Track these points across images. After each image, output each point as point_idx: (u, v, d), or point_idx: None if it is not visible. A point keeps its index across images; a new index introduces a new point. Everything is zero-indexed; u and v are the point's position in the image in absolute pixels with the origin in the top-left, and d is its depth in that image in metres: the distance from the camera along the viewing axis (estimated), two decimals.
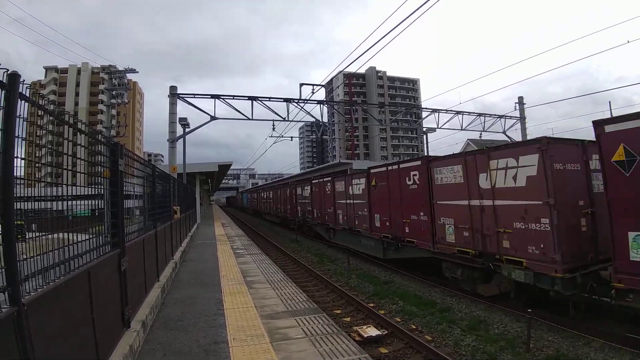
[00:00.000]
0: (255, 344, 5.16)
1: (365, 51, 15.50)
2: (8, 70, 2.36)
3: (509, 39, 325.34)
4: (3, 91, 2.38)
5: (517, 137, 28.97)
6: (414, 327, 8.68)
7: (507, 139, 29.03)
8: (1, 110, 2.38)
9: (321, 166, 55.56)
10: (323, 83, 23.97)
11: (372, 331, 8.02)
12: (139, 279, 6.22)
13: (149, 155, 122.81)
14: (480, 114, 29.22)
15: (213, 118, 21.57)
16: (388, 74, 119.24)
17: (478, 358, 6.98)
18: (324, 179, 22.22)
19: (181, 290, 8.39)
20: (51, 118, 3.20)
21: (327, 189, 21.22)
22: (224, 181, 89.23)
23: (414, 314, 9.43)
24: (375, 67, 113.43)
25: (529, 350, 7.09)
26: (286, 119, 23.71)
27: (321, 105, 25.08)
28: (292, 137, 30.19)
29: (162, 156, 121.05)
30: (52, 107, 3.12)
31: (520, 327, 8.14)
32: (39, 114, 2.95)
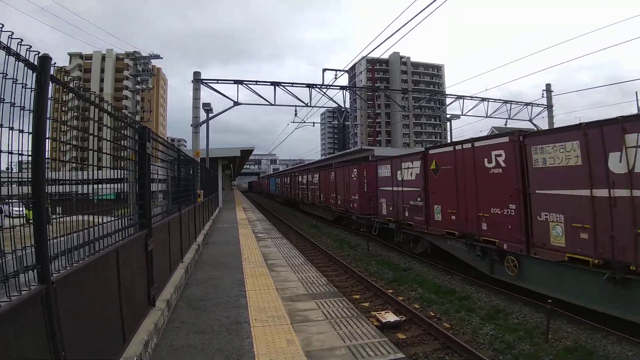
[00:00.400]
0: (276, 325, 5.27)
1: (389, 37, 15.26)
2: (39, 52, 2.39)
3: (536, 28, 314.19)
4: (34, 73, 2.40)
5: (544, 125, 28.21)
6: (433, 314, 8.69)
7: (533, 127, 28.31)
8: (32, 92, 2.42)
9: (342, 152, 55.44)
10: (346, 68, 23.74)
11: (390, 317, 8.07)
12: (164, 260, 6.39)
13: (172, 140, 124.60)
14: (506, 101, 28.53)
15: (236, 103, 21.69)
16: (412, 59, 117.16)
17: (496, 347, 6.95)
18: (478, 144, 10.54)
19: (204, 272, 8.59)
20: (81, 101, 3.26)
21: (492, 164, 9.91)
22: (245, 166, 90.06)
23: (433, 302, 9.42)
24: (398, 53, 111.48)
25: (548, 341, 7.04)
26: (308, 104, 23.65)
27: (344, 91, 24.89)
28: (314, 123, 30.22)
29: (185, 141, 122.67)
30: (88, 93, 3.18)
31: (539, 318, 8.05)
32: (65, 98, 3.00)
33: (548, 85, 29.10)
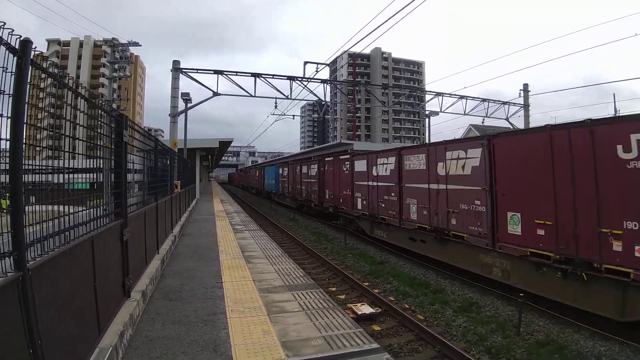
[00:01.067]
0: (252, 316, 5.30)
1: (371, 32, 15.35)
2: (21, 36, 2.35)
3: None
4: (15, 57, 2.35)
5: (521, 124, 28.88)
6: (407, 306, 8.86)
7: (509, 125, 28.93)
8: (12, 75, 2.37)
9: (322, 146, 55.42)
10: (327, 62, 23.74)
11: (366, 309, 8.19)
12: (140, 250, 6.32)
13: (149, 129, 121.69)
14: (484, 100, 29.00)
15: (215, 94, 21.43)
16: (393, 55, 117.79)
17: (469, 338, 7.14)
18: None
19: (180, 263, 8.53)
20: (58, 88, 3.20)
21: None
22: (223, 158, 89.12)
23: (408, 294, 9.60)
24: (380, 48, 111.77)
25: (519, 334, 7.23)
26: (289, 97, 23.54)
27: (324, 84, 24.89)
28: (294, 116, 30.21)
29: (162, 131, 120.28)
30: (66, 79, 3.12)
31: (511, 311, 8.30)
32: (41, 85, 2.95)
33: (525, 85, 29.71)
